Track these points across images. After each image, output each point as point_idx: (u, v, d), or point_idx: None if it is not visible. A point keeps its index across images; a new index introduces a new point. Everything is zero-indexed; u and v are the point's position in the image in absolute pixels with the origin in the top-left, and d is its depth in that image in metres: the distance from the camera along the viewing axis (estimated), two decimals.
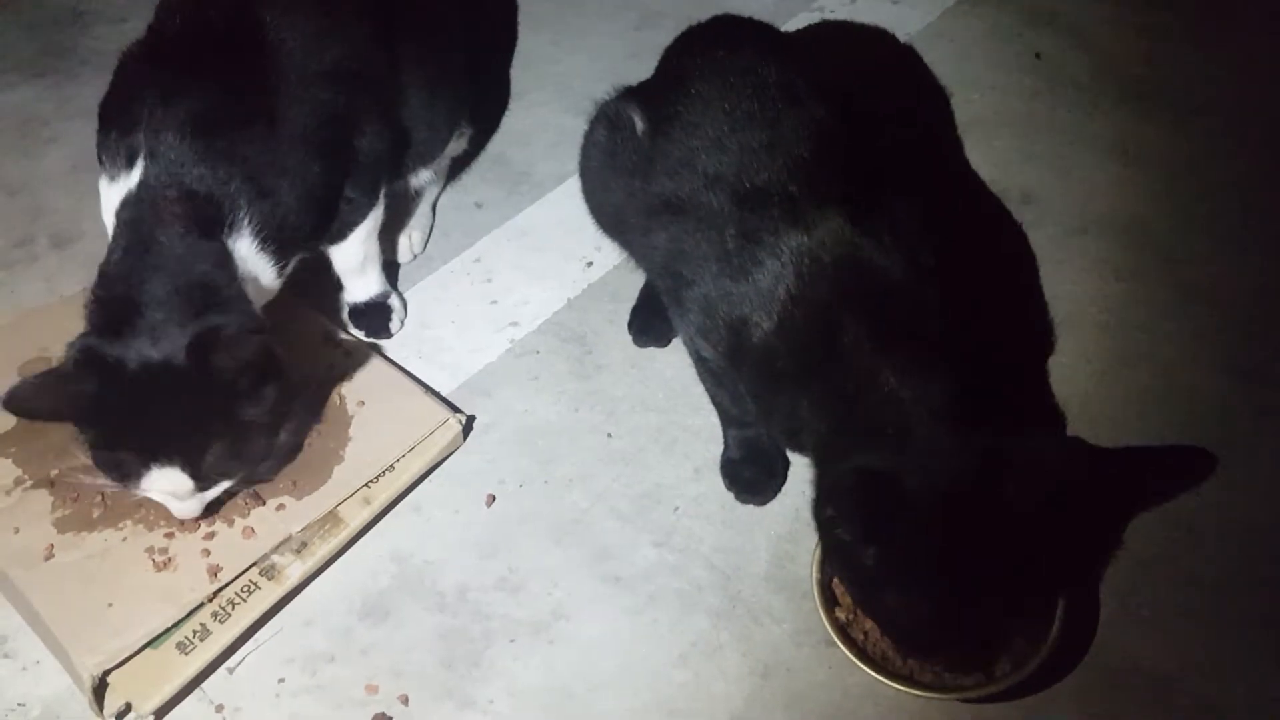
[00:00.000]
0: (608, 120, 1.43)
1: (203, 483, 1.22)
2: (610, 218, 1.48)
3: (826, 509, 1.13)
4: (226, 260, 1.25)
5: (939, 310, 1.18)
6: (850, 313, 1.15)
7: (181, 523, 1.28)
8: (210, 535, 1.28)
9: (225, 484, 1.26)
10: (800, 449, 1.25)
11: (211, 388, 1.18)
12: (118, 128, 1.28)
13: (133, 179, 1.25)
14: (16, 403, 1.17)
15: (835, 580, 1.25)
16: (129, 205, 1.25)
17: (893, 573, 1.08)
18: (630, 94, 1.44)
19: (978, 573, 1.06)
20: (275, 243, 1.30)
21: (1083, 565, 1.30)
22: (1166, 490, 1.37)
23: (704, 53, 1.37)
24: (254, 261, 1.28)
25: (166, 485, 1.21)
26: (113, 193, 1.27)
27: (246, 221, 1.26)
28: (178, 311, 1.19)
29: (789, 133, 1.25)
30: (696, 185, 1.26)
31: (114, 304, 1.20)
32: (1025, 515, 1.07)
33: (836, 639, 1.21)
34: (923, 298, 1.18)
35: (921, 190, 1.28)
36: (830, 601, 1.24)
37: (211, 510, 1.29)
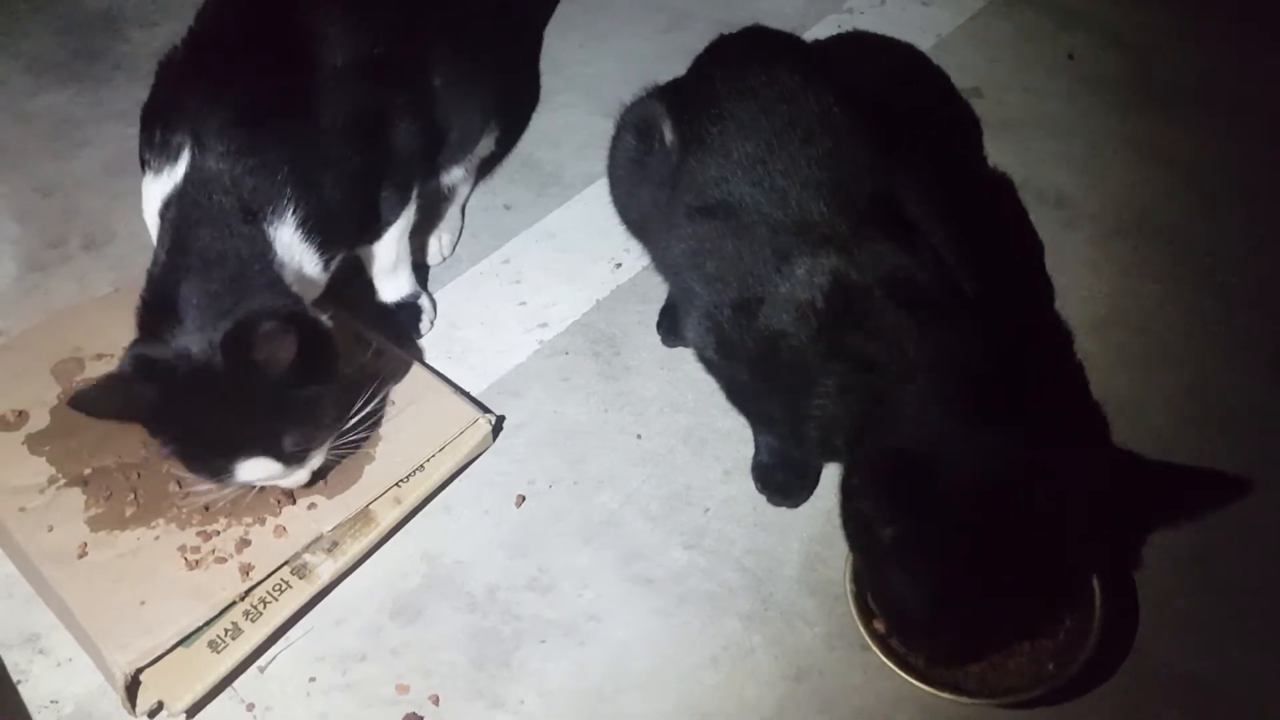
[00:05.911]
0: (636, 127, 1.43)
1: (292, 463, 1.23)
2: (636, 220, 1.48)
3: (853, 478, 1.13)
4: (263, 244, 1.24)
5: (981, 327, 1.18)
6: (895, 324, 1.15)
7: (216, 518, 1.29)
8: (242, 534, 1.28)
9: (320, 453, 1.27)
10: (836, 456, 1.23)
11: (264, 380, 1.16)
12: (163, 124, 1.28)
13: (178, 172, 1.25)
14: (83, 404, 1.17)
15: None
16: (173, 202, 1.25)
17: (904, 554, 1.08)
18: (659, 97, 1.43)
19: (988, 572, 1.05)
20: (319, 235, 1.30)
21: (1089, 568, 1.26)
22: (1193, 511, 1.34)
23: (736, 73, 1.34)
24: (298, 250, 1.28)
25: (259, 474, 1.22)
26: (156, 189, 1.27)
27: (291, 211, 1.26)
28: (213, 310, 1.19)
29: (828, 160, 1.25)
30: (729, 205, 1.26)
31: (159, 308, 1.21)
32: (1048, 526, 1.06)
33: (878, 651, 1.19)
34: (967, 317, 1.19)
35: (957, 213, 1.30)
36: (868, 613, 1.21)
37: (320, 476, 1.31)
